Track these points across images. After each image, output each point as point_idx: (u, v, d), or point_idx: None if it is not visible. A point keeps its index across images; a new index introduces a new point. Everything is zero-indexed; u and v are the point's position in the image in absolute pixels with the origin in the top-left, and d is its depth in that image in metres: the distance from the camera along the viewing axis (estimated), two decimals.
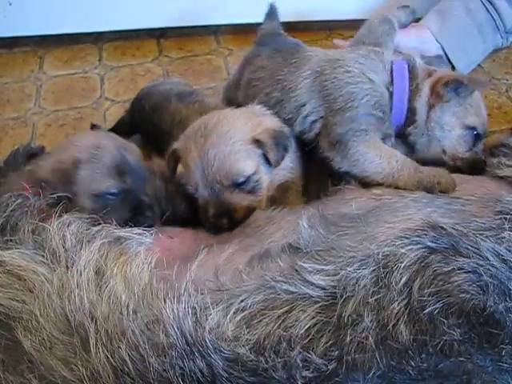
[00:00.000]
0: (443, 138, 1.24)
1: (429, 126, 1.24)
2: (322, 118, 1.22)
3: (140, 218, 1.08)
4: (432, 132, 1.24)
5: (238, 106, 1.40)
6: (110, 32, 2.28)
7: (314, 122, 1.23)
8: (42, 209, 1.01)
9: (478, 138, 1.25)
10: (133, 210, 1.11)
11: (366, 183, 1.17)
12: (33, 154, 1.54)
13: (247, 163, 1.11)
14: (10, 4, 2.15)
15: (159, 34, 2.31)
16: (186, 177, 1.13)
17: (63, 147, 1.17)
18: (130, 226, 1.01)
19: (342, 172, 1.20)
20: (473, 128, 1.23)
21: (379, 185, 1.14)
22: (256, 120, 1.18)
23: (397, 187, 1.12)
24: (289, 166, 1.23)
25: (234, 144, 1.10)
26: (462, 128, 1.23)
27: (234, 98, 1.52)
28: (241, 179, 1.10)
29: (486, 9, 1.76)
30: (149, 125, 1.60)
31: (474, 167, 1.23)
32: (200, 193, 1.11)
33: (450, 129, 1.23)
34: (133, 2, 2.17)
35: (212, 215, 1.09)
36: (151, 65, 2.15)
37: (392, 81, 1.21)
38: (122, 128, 1.73)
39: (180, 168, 1.20)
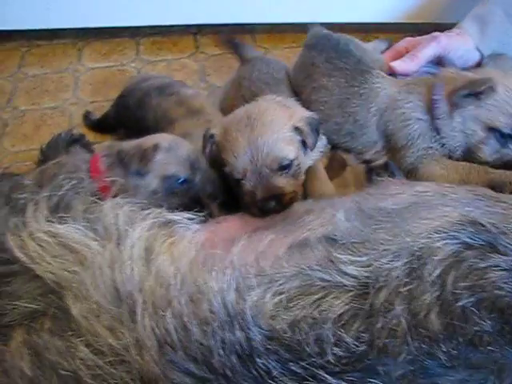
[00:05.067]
0: (470, 144, 1.25)
1: (454, 135, 1.27)
2: (388, 152, 1.33)
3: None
4: (457, 140, 1.26)
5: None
6: (148, 27, 2.32)
7: (383, 155, 1.34)
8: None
9: (507, 137, 1.22)
10: (191, 202, 1.19)
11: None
12: (74, 140, 1.59)
13: (290, 148, 1.20)
14: None
15: (196, 31, 2.34)
16: (231, 164, 1.20)
17: (147, 138, 1.28)
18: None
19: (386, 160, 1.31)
20: (495, 129, 1.22)
21: None
22: (290, 110, 1.29)
23: None
24: (319, 148, 1.33)
25: (279, 132, 1.19)
26: (485, 131, 1.23)
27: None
28: (286, 162, 1.19)
29: None
30: (133, 121, 1.65)
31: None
32: (248, 178, 1.18)
33: (472, 133, 1.24)
34: None
35: (261, 199, 1.16)
36: (187, 60, 2.19)
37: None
38: (107, 122, 1.81)
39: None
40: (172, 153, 1.22)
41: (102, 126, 1.85)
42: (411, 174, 1.29)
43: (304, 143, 1.25)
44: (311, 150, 1.27)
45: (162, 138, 1.26)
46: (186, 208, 1.11)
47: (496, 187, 1.13)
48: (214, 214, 1.19)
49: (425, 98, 1.30)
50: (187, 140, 1.43)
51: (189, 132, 1.45)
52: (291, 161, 1.20)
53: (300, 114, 1.27)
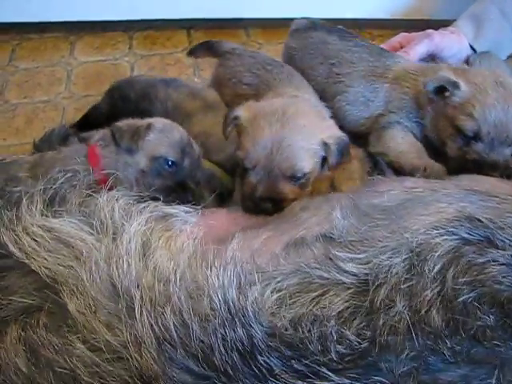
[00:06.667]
0: (440, 138, 1.27)
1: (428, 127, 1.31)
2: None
3: (179, 195, 1.14)
4: (429, 134, 1.30)
5: None
6: (141, 21, 2.31)
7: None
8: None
9: (469, 138, 1.21)
10: (176, 186, 1.20)
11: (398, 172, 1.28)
12: (68, 135, 1.58)
13: (309, 162, 1.15)
14: None
15: (189, 26, 2.33)
16: (247, 151, 1.14)
17: (141, 119, 1.27)
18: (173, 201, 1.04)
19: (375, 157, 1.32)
20: (459, 129, 1.21)
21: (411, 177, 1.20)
22: (326, 123, 1.23)
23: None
24: None
25: (307, 141, 1.14)
26: (452, 128, 1.23)
27: None
28: (299, 174, 1.14)
29: None
30: (135, 113, 1.53)
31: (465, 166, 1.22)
32: (256, 171, 1.13)
33: (442, 128, 1.25)
34: None
35: (260, 196, 1.12)
36: (181, 55, 2.18)
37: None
38: (98, 117, 1.73)
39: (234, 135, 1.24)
40: (164, 134, 1.22)
41: (88, 120, 1.77)
42: (382, 131, 1.34)
43: (324, 160, 1.19)
44: (329, 169, 1.21)
45: (156, 120, 1.26)
46: (170, 190, 1.13)
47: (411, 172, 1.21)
48: (207, 204, 1.16)
49: None
50: (209, 140, 1.41)
51: (209, 132, 1.42)
52: (305, 174, 1.15)
53: (333, 131, 1.21)
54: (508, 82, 1.22)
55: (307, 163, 1.14)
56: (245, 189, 1.15)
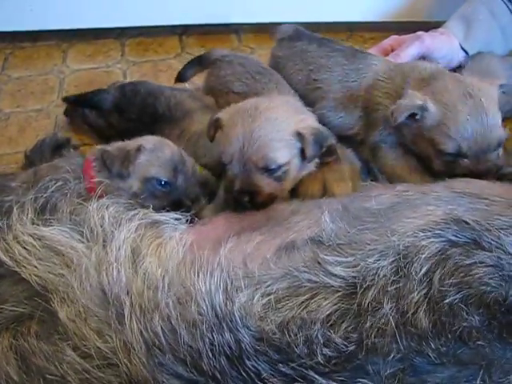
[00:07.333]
0: (424, 154, 1.27)
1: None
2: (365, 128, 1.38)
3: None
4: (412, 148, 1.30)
5: None
6: (133, 28, 2.32)
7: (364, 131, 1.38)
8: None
9: (455, 156, 1.20)
10: (172, 205, 1.17)
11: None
12: (59, 145, 1.58)
13: (283, 153, 1.15)
14: None
15: (181, 32, 2.34)
16: (223, 146, 1.17)
17: (133, 140, 1.27)
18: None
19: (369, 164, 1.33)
20: (440, 150, 1.20)
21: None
22: (301, 116, 1.24)
23: None
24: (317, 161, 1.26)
25: (279, 132, 1.15)
26: (432, 148, 1.22)
27: None
28: (273, 166, 1.14)
29: (510, 10, 1.77)
30: (140, 106, 1.64)
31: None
32: (232, 165, 1.15)
33: (423, 149, 1.25)
34: None
35: (237, 190, 1.14)
36: (173, 61, 2.18)
37: None
38: (102, 99, 1.73)
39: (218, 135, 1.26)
40: (155, 154, 1.21)
41: (90, 100, 1.77)
42: (374, 152, 1.35)
43: (303, 152, 1.18)
44: (308, 161, 1.21)
45: (146, 140, 1.25)
46: (169, 210, 1.11)
47: None
48: (200, 216, 1.18)
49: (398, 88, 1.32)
50: (199, 143, 1.43)
51: (204, 132, 1.40)
52: (279, 166, 1.15)
53: (309, 122, 1.22)
54: (475, 90, 1.20)
55: (280, 154, 1.15)
56: (225, 183, 1.18)
